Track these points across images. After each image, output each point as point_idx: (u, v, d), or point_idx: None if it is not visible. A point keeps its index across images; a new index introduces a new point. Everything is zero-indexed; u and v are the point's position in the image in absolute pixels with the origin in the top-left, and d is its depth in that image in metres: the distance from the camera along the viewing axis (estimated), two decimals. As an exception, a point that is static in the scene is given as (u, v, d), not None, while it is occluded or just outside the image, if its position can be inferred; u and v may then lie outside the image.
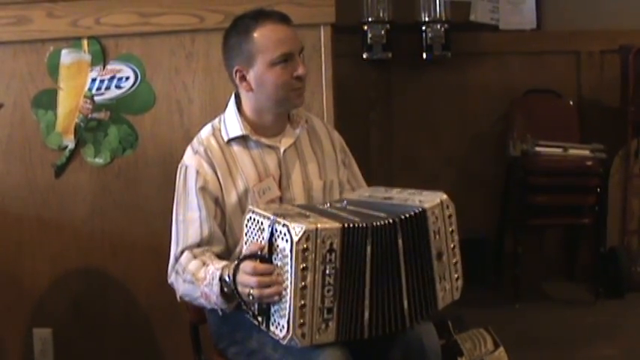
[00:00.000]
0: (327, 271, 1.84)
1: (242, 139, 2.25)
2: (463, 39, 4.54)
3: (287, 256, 1.83)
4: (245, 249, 2.01)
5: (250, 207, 2.04)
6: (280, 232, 1.85)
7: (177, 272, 2.19)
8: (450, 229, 2.05)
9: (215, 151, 2.23)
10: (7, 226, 3.13)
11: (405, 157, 4.71)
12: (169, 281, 2.24)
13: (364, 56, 4.50)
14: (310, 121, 2.38)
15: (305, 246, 1.81)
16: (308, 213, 1.96)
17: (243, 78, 2.21)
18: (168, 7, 2.97)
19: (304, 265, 1.82)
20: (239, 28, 2.21)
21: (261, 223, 1.93)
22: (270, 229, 1.89)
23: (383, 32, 4.46)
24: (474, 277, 3.45)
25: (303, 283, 1.82)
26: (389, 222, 1.94)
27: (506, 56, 4.64)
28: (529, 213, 4.18)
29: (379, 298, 1.95)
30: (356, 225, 1.89)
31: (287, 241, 1.82)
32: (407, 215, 1.97)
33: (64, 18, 3.00)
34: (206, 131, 2.29)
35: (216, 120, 2.31)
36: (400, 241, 1.95)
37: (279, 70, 2.16)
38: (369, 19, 4.49)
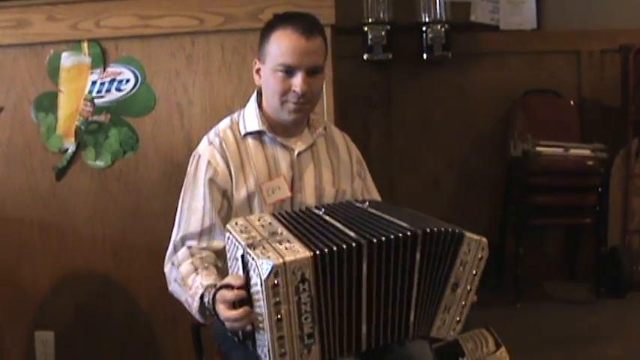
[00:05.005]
0: (303, 300, 1.81)
1: (258, 135, 2.25)
2: (463, 39, 4.54)
3: (259, 290, 1.80)
4: (229, 267, 2.01)
5: (227, 226, 2.02)
6: (251, 264, 1.83)
7: (172, 264, 2.19)
8: (474, 271, 1.99)
9: (230, 144, 2.23)
10: (8, 229, 3.13)
11: (406, 157, 4.71)
12: (165, 270, 2.23)
13: (365, 57, 4.51)
14: (329, 129, 2.38)
15: (275, 282, 1.77)
16: (284, 233, 1.92)
17: (258, 70, 2.25)
18: (168, 9, 2.97)
19: (276, 299, 1.79)
20: (268, 24, 2.23)
21: (237, 249, 1.91)
22: (242, 259, 1.87)
23: (383, 33, 4.47)
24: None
25: (278, 316, 1.80)
26: (405, 234, 1.89)
27: (506, 56, 4.64)
28: (530, 213, 4.18)
29: (381, 310, 1.92)
30: (330, 249, 1.83)
31: (257, 275, 1.79)
32: (437, 229, 1.92)
33: (64, 21, 3.00)
34: (224, 124, 2.29)
35: (236, 114, 2.32)
36: (418, 255, 1.91)
37: (280, 78, 2.16)
38: (370, 21, 4.50)
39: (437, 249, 1.94)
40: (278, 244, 1.85)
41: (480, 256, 1.98)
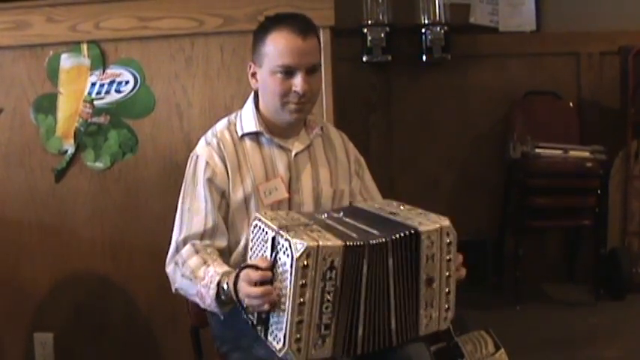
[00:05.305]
0: (327, 288, 1.83)
1: (255, 136, 2.26)
2: (463, 41, 4.54)
3: (287, 270, 1.82)
4: (250, 257, 2.00)
5: (257, 214, 2.01)
6: (282, 245, 1.84)
7: (176, 263, 2.18)
8: (447, 257, 1.98)
9: (228, 144, 2.23)
10: (7, 230, 3.13)
11: (405, 159, 4.71)
12: (167, 270, 2.22)
13: (364, 59, 4.51)
14: (326, 129, 2.38)
15: (305, 263, 1.79)
16: (314, 226, 1.94)
17: (254, 74, 2.24)
18: (167, 11, 2.97)
19: (303, 281, 1.80)
20: (261, 27, 2.23)
21: (266, 233, 1.92)
22: (272, 240, 1.88)
23: (383, 35, 4.46)
24: (474, 278, 3.46)
25: (301, 299, 1.81)
26: (382, 241, 1.91)
27: (505, 58, 4.64)
28: (529, 215, 4.18)
29: (371, 315, 1.92)
30: (356, 243, 1.87)
31: (288, 255, 1.81)
32: (399, 235, 1.93)
33: (64, 22, 3.00)
34: (221, 124, 2.29)
35: (233, 115, 2.32)
36: (391, 261, 1.92)
37: (279, 79, 2.15)
38: (369, 22, 4.50)
39: (404, 252, 1.94)
40: (310, 232, 1.88)
41: (447, 241, 1.97)
